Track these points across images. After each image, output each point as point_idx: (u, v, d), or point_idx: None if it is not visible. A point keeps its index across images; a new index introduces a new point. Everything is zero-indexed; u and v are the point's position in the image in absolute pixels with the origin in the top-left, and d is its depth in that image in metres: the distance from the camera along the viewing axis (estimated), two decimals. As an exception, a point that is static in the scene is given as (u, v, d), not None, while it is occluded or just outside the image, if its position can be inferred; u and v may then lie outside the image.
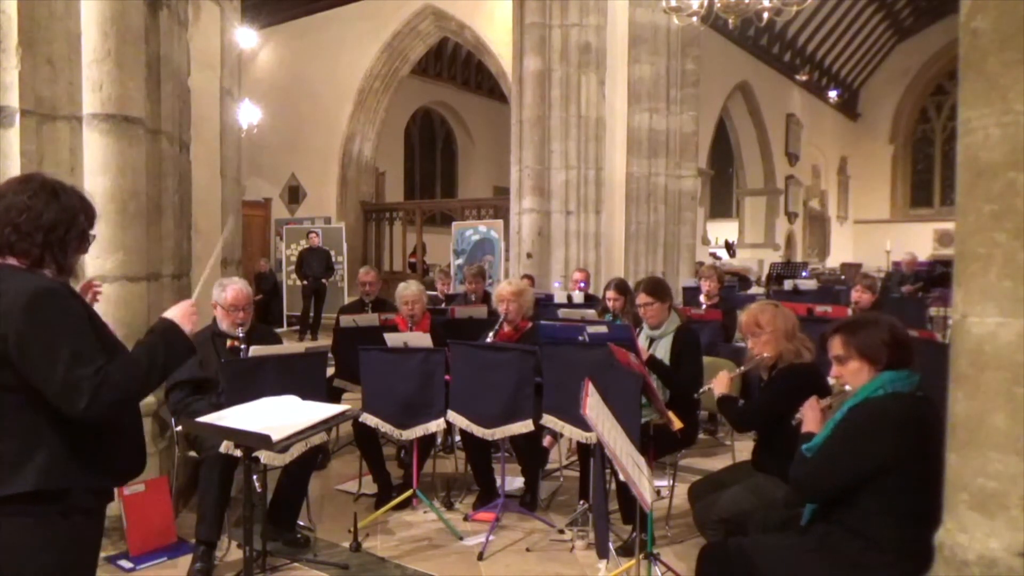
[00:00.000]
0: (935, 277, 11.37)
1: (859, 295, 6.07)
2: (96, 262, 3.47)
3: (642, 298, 4.11)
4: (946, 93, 23.22)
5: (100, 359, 1.74)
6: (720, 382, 3.22)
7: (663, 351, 4.01)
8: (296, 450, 3.38)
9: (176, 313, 1.96)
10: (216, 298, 3.71)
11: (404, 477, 4.50)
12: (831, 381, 2.49)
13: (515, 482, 4.39)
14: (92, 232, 1.92)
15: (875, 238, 21.43)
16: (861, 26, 20.86)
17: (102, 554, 3.42)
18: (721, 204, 20.96)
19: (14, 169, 3.15)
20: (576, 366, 3.57)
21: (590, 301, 7.04)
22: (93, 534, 1.87)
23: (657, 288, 4.14)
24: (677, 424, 3.32)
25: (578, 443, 3.98)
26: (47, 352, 1.69)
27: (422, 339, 4.16)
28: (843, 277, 14.28)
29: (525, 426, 3.89)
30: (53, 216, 1.80)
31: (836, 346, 2.38)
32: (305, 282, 11.87)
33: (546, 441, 4.61)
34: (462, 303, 6.48)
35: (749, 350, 3.21)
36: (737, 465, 3.52)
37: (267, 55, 15.08)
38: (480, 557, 3.58)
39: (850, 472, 2.22)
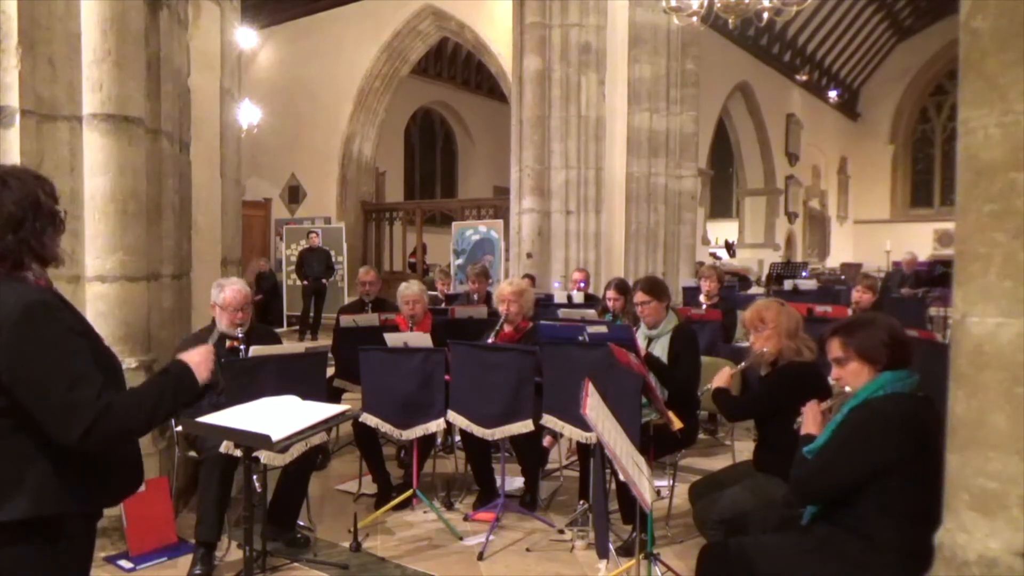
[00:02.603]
0: (935, 277, 11.37)
1: (859, 295, 6.07)
2: (96, 262, 3.47)
3: (639, 297, 4.12)
4: (946, 93, 23.21)
5: (99, 380, 1.62)
6: (720, 377, 3.24)
7: (660, 350, 4.01)
8: (296, 450, 3.38)
9: (194, 358, 1.84)
10: (215, 298, 3.71)
11: (404, 477, 4.50)
12: (831, 382, 2.49)
13: (515, 482, 4.39)
14: (60, 208, 1.72)
15: (875, 238, 21.43)
16: (861, 26, 20.86)
17: (102, 554, 3.44)
18: (721, 204, 20.95)
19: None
20: (576, 366, 3.58)
21: (590, 301, 7.04)
22: (84, 554, 1.80)
23: (654, 287, 4.14)
24: (677, 424, 3.32)
25: (578, 443, 3.98)
26: (42, 374, 1.57)
27: (422, 339, 4.16)
28: (843, 277, 14.27)
29: (525, 426, 3.89)
30: (11, 207, 1.61)
31: (835, 348, 2.38)
32: (305, 282, 11.87)
33: (546, 441, 4.61)
34: (465, 303, 6.48)
35: (751, 345, 3.22)
36: (737, 465, 3.53)
37: (267, 55, 15.08)
38: (480, 557, 3.58)
39: (850, 474, 2.22)
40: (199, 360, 1.84)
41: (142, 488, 3.42)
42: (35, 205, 1.66)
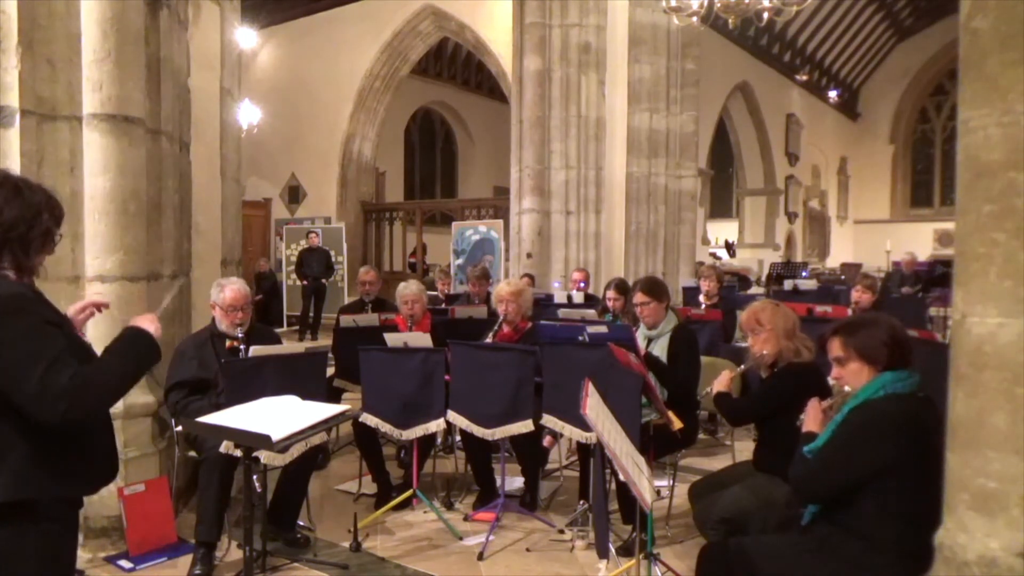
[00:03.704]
0: (935, 277, 11.37)
1: (859, 295, 6.06)
2: (96, 262, 3.47)
3: (639, 297, 4.11)
4: (946, 93, 23.22)
5: (73, 365, 1.70)
6: (721, 381, 3.24)
7: (660, 351, 4.00)
8: (296, 450, 3.38)
9: (142, 320, 1.95)
10: (215, 298, 3.70)
11: (404, 477, 4.50)
12: (831, 382, 2.49)
13: (515, 482, 4.39)
14: (59, 231, 1.85)
15: (875, 238, 21.43)
16: (861, 26, 20.87)
17: (102, 554, 3.44)
18: (721, 204, 20.94)
19: (14, 170, 3.14)
20: (576, 366, 3.57)
21: (590, 301, 7.04)
22: (66, 541, 1.84)
23: (654, 287, 4.14)
24: (677, 424, 3.32)
25: (578, 443, 3.98)
26: (19, 360, 1.65)
27: (422, 339, 4.16)
28: (843, 277, 14.27)
29: (525, 426, 3.89)
30: (15, 213, 1.73)
31: (835, 347, 2.38)
32: (305, 282, 11.88)
33: (546, 441, 4.61)
34: (465, 304, 6.48)
35: (750, 348, 3.22)
36: (737, 465, 3.52)
37: (267, 55, 15.08)
38: (480, 557, 3.58)
39: (849, 474, 2.22)
40: (146, 321, 1.95)
41: (141, 488, 3.46)
42: (34, 218, 1.77)
